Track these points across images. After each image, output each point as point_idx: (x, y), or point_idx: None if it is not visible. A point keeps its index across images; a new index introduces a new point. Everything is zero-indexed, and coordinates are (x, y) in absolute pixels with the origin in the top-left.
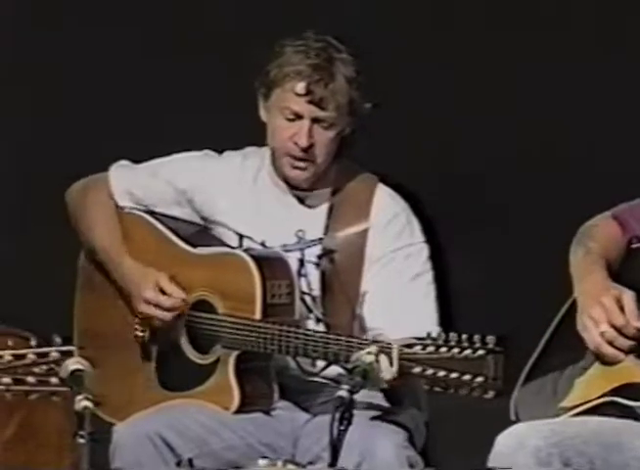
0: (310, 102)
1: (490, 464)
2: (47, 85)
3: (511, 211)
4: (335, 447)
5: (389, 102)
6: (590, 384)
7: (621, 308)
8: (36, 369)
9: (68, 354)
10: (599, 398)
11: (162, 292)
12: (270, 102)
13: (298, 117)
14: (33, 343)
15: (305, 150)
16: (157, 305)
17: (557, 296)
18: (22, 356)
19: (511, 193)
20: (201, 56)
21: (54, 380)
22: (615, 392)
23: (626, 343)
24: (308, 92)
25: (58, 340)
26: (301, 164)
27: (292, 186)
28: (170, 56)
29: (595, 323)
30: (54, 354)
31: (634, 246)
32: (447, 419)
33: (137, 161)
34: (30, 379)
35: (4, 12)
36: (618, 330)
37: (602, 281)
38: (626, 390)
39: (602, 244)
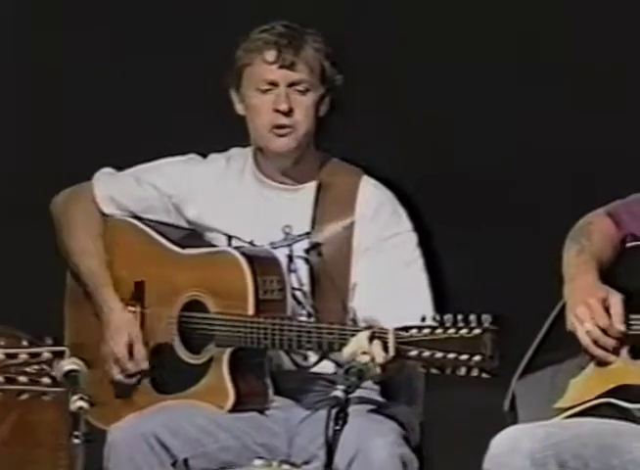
0: (282, 67)
1: (486, 466)
2: (46, 85)
3: (500, 196)
4: (330, 447)
5: (378, 96)
6: (586, 385)
7: (607, 309)
8: (28, 369)
9: (59, 355)
10: (595, 399)
11: (131, 352)
12: (243, 87)
13: (273, 85)
14: (25, 343)
15: (287, 114)
16: (118, 364)
17: (549, 282)
18: (15, 356)
19: (503, 179)
20: (189, 60)
21: (45, 380)
22: (611, 393)
23: (610, 342)
24: (278, 58)
25: (49, 341)
26: (284, 132)
27: (276, 180)
28: (170, 58)
29: (580, 322)
30: (45, 355)
31: (628, 245)
32: (443, 419)
33: (121, 166)
34: (22, 378)
35: (4, 12)
36: (603, 330)
37: (591, 282)
38: (622, 391)
39: (596, 242)
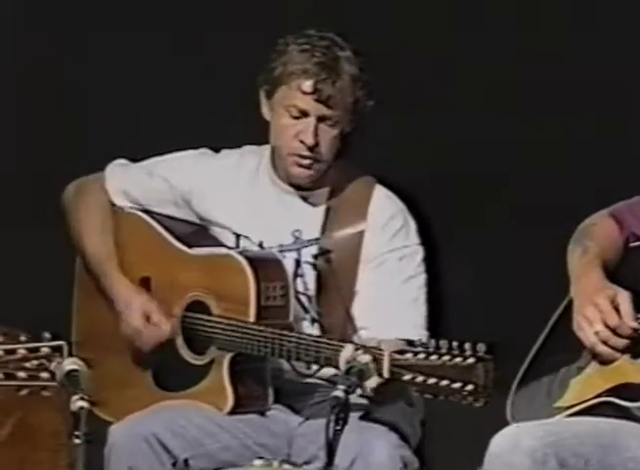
0: (317, 100)
1: (486, 464)
2: (47, 85)
3: (507, 215)
4: (331, 448)
5: (387, 103)
6: (586, 384)
7: (616, 308)
8: (27, 364)
9: (57, 350)
10: (595, 398)
11: (149, 320)
12: (274, 99)
13: (304, 114)
14: (23, 339)
15: (311, 148)
16: (142, 335)
17: (552, 300)
18: (13, 352)
19: (508, 195)
20: (200, 55)
21: (44, 375)
22: (610, 392)
23: (621, 342)
24: (315, 90)
25: (47, 336)
26: (306, 162)
27: (291, 185)
28: (170, 55)
29: (589, 323)
30: (44, 350)
31: (632, 244)
32: (443, 418)
33: (135, 159)
34: (21, 374)
35: (4, 12)
36: (612, 330)
37: (597, 281)
38: (622, 390)
39: (599, 243)
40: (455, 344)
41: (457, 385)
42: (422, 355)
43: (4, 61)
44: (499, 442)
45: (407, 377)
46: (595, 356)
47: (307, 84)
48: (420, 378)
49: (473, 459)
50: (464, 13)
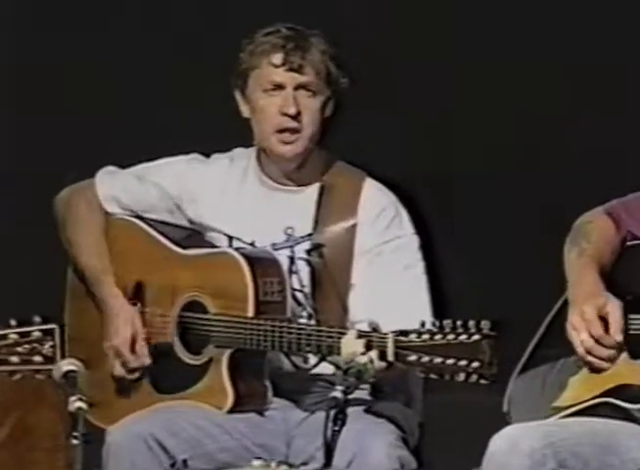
0: (290, 70)
1: (485, 465)
2: (47, 85)
3: (501, 201)
4: (329, 448)
5: (381, 98)
6: (584, 384)
7: (605, 317)
8: (19, 349)
9: (49, 333)
10: (593, 398)
11: (133, 347)
12: (249, 89)
13: (281, 87)
14: (13, 323)
15: (294, 118)
16: (122, 358)
17: (549, 287)
18: (4, 337)
19: (503, 184)
20: (199, 55)
21: (37, 359)
22: (609, 393)
23: (605, 352)
24: (286, 61)
25: (38, 319)
26: (291, 138)
27: (286, 177)
28: (169, 56)
29: (576, 331)
30: (35, 334)
31: (629, 243)
32: (442, 418)
33: (127, 164)
34: (14, 359)
35: (4, 12)
36: (596, 340)
37: (592, 286)
38: (620, 391)
39: (596, 243)
40: (459, 323)
41: (463, 363)
42: (426, 336)
43: (4, 61)
44: (498, 442)
45: (412, 358)
46: (586, 364)
47: (277, 56)
48: (425, 358)
49: (471, 460)
50: (464, 12)
